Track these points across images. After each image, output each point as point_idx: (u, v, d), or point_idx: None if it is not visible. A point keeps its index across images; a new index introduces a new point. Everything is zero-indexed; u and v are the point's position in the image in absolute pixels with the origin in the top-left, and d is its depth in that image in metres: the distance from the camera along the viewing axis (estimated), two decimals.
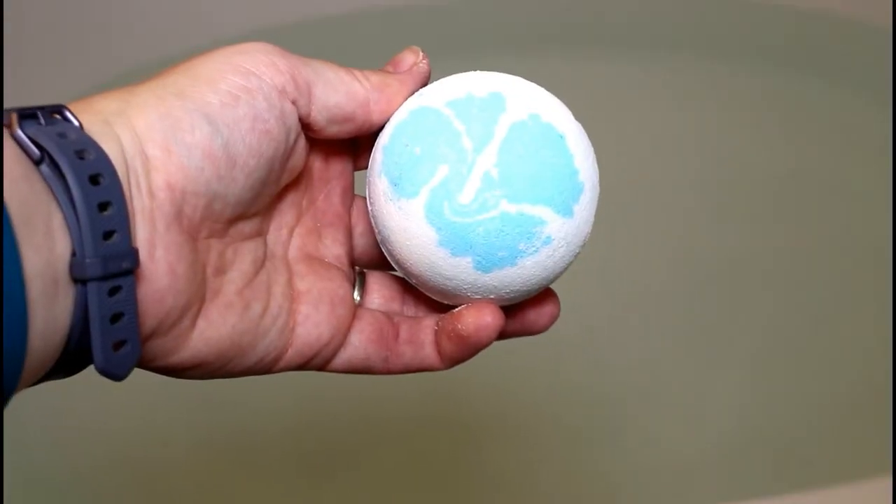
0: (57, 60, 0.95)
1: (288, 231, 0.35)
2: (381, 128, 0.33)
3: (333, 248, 0.36)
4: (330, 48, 0.99)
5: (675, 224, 0.94)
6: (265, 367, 0.33)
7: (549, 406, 0.84)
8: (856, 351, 0.85)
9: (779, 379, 0.84)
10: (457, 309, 0.34)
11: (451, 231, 0.31)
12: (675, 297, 0.91)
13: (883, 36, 0.99)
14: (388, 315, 0.36)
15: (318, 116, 0.32)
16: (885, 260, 0.89)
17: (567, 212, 0.31)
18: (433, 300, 0.35)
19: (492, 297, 0.33)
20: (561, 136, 0.32)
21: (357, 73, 0.33)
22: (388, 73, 0.34)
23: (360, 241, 0.37)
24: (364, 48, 0.99)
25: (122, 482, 0.77)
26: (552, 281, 0.33)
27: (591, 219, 0.33)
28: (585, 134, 0.33)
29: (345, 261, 0.36)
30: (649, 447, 0.81)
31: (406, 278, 0.34)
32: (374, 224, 0.34)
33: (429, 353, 0.35)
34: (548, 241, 0.31)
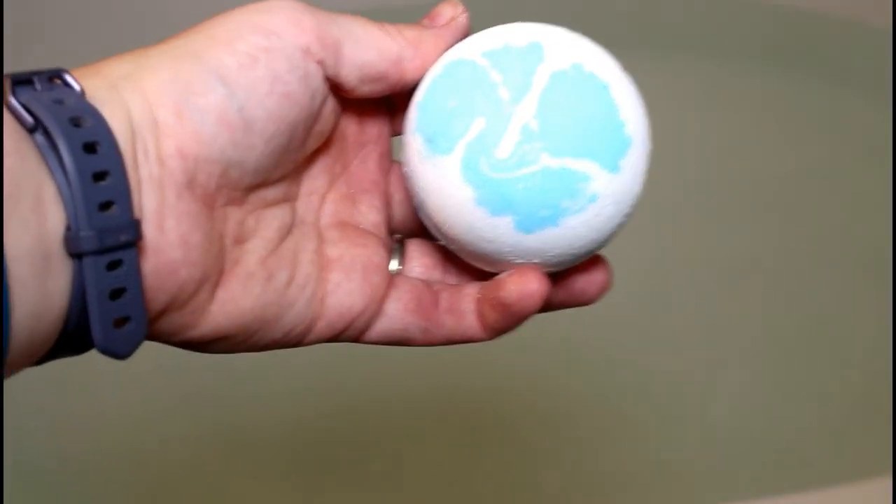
0: (57, 60, 0.95)
1: (319, 197, 0.33)
2: (416, 86, 0.31)
3: (370, 216, 0.33)
4: None
5: (675, 224, 0.94)
6: (294, 340, 0.31)
7: (549, 406, 0.84)
8: (856, 351, 0.85)
9: (779, 378, 0.84)
10: (500, 276, 0.32)
11: (490, 188, 0.29)
12: (674, 297, 0.91)
13: (883, 36, 0.99)
14: (429, 283, 0.33)
15: (348, 76, 0.30)
16: (885, 260, 0.89)
17: (614, 167, 0.29)
18: (476, 268, 0.33)
19: (536, 261, 0.31)
20: (605, 86, 0.30)
21: (390, 28, 0.31)
22: (424, 27, 0.32)
23: (399, 209, 0.34)
24: None
25: (119, 478, 0.77)
26: (601, 245, 0.31)
27: (642, 176, 0.31)
28: (635, 87, 0.31)
29: (382, 228, 0.33)
30: (649, 447, 0.81)
31: (446, 245, 0.32)
32: (409, 188, 0.32)
33: (471, 322, 0.33)
34: (594, 198, 0.29)
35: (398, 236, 0.34)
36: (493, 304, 0.32)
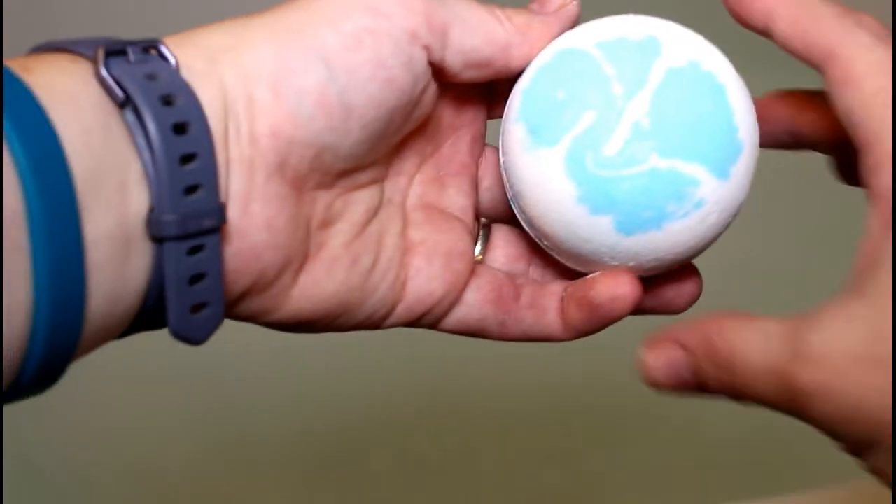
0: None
1: (407, 178, 0.32)
2: (521, 72, 0.30)
3: (458, 199, 0.32)
4: None
5: None
6: (373, 324, 0.30)
7: (549, 407, 0.84)
8: None
9: None
10: (591, 275, 0.31)
11: (593, 185, 0.28)
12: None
13: None
14: (511, 276, 0.32)
15: (452, 61, 0.29)
16: None
17: (723, 173, 0.28)
18: (563, 265, 0.31)
19: (631, 264, 0.29)
20: (722, 87, 0.28)
21: (499, 12, 0.30)
22: (534, 13, 0.30)
23: (487, 196, 0.33)
24: None
25: (122, 484, 0.77)
26: (699, 253, 0.30)
27: (748, 184, 0.29)
28: (747, 89, 0.29)
29: (469, 213, 0.32)
30: (650, 447, 0.81)
31: (537, 241, 0.31)
32: (504, 177, 0.30)
33: (552, 320, 0.32)
34: (700, 204, 0.28)
35: (484, 221, 0.33)
36: (580, 304, 0.31)
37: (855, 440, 0.26)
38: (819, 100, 0.31)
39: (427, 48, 0.28)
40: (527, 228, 0.31)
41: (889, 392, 0.24)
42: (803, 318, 0.26)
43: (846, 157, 0.31)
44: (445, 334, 0.33)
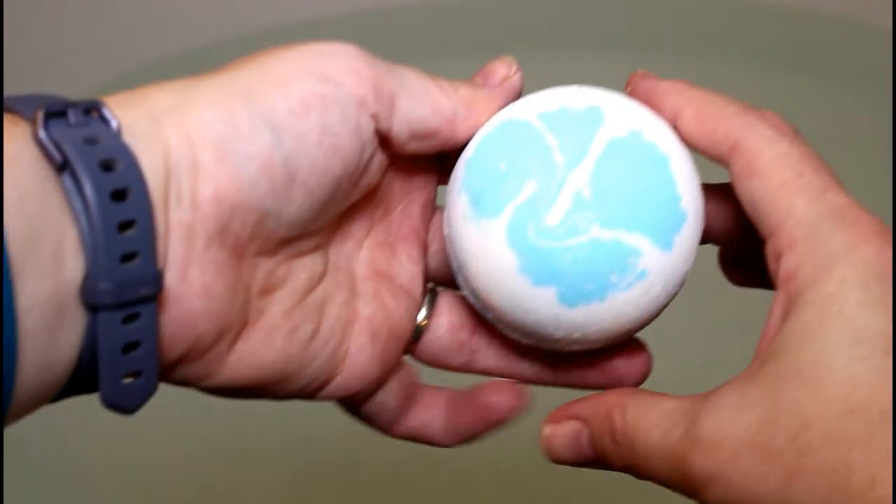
0: (56, 61, 0.95)
1: (356, 243, 0.31)
2: (466, 143, 0.30)
3: (408, 266, 0.32)
4: None
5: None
6: (308, 394, 0.30)
7: (549, 407, 0.84)
8: None
9: None
10: (479, 385, 0.32)
11: (535, 256, 0.27)
12: (675, 298, 0.91)
13: (883, 36, 0.99)
14: (414, 383, 0.33)
15: (399, 131, 0.28)
16: None
17: (666, 243, 0.28)
18: (506, 335, 0.31)
19: (576, 336, 0.29)
20: (664, 157, 0.28)
21: (445, 84, 0.30)
22: (478, 85, 0.31)
23: (435, 260, 0.33)
24: (363, 48, 0.99)
25: (123, 484, 0.77)
26: (645, 325, 0.30)
27: (692, 255, 0.29)
28: (691, 159, 0.29)
29: (418, 281, 0.32)
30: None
31: (482, 314, 0.31)
32: (449, 249, 0.30)
33: (439, 425, 0.33)
34: (643, 274, 0.28)
35: (431, 286, 0.33)
36: (466, 409, 0.32)
37: None
38: (717, 191, 0.31)
39: (375, 116, 0.28)
40: (472, 301, 0.30)
41: (780, 482, 0.24)
42: (702, 399, 0.27)
43: (732, 253, 0.33)
44: None
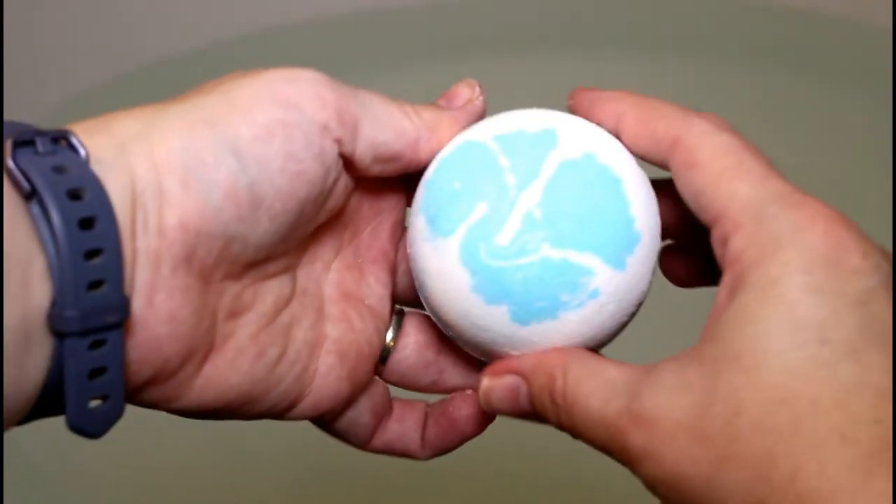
0: (56, 61, 0.95)
1: (324, 265, 0.32)
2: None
3: (376, 288, 0.32)
4: (329, 49, 0.99)
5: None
6: (276, 414, 0.31)
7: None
8: None
9: None
10: (450, 396, 0.33)
11: (486, 275, 0.28)
12: (676, 298, 0.91)
13: (883, 36, 0.99)
14: (387, 398, 0.33)
15: (362, 154, 0.29)
16: None
17: (619, 263, 0.28)
18: (471, 356, 0.32)
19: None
20: (617, 180, 0.28)
21: (408, 108, 0.30)
22: (441, 109, 0.31)
23: (403, 281, 0.33)
24: (363, 48, 0.99)
25: (122, 484, 0.77)
26: (601, 344, 0.30)
27: (649, 275, 0.29)
28: (647, 184, 0.30)
29: (386, 302, 0.33)
30: None
31: (444, 330, 0.31)
32: (412, 268, 0.31)
33: (413, 436, 0.33)
34: (594, 294, 0.28)
35: (398, 308, 0.34)
36: (439, 420, 0.33)
37: None
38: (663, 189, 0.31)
39: (338, 141, 0.28)
40: (434, 318, 0.31)
41: (710, 466, 0.24)
42: (645, 373, 0.27)
43: (673, 251, 0.33)
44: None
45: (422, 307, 0.32)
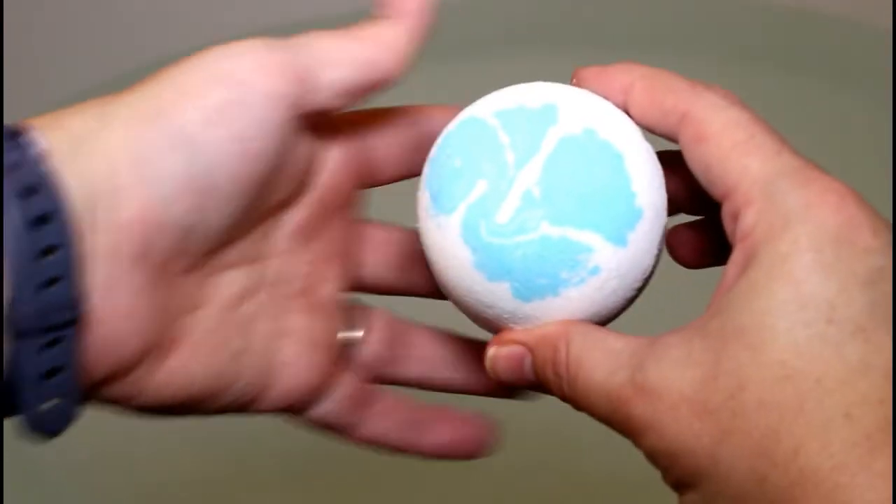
0: (56, 60, 0.95)
1: (285, 259, 0.31)
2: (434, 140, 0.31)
3: (338, 281, 0.32)
4: None
5: (675, 224, 0.94)
6: (239, 409, 0.30)
7: (549, 407, 0.84)
8: None
9: None
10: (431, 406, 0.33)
11: (488, 253, 0.28)
12: (674, 298, 0.91)
13: (883, 36, 0.99)
14: (371, 390, 0.33)
15: (328, 99, 0.29)
16: None
17: (620, 240, 0.28)
18: (431, 352, 0.33)
19: None
20: (619, 156, 0.28)
21: (353, 31, 0.30)
22: (392, 20, 0.30)
23: (371, 271, 0.33)
24: None
25: (122, 484, 0.77)
26: (607, 319, 0.30)
27: (655, 251, 0.29)
28: (653, 158, 0.29)
29: (348, 295, 0.33)
30: None
31: (455, 305, 0.31)
32: (420, 244, 0.31)
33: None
34: (595, 270, 0.28)
35: (361, 303, 0.34)
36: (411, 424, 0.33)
37: (675, 478, 0.26)
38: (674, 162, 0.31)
39: (293, 105, 0.28)
40: (444, 293, 0.31)
41: (712, 440, 0.24)
42: (649, 344, 0.26)
43: (680, 230, 0.33)
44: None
45: (397, 294, 0.34)
